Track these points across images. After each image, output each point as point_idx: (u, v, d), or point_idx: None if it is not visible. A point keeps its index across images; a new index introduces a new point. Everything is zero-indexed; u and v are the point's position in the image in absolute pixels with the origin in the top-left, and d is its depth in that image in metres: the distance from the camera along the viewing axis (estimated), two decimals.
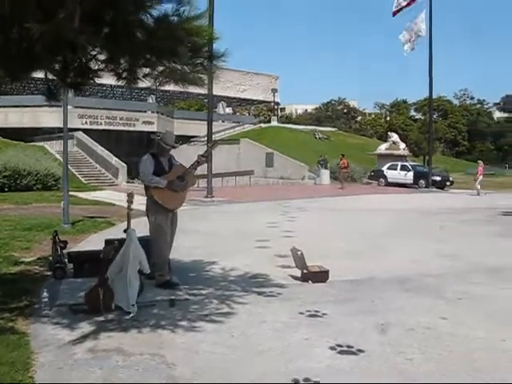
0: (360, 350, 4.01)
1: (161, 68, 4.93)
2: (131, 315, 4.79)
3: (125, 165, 26.54)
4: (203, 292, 5.70)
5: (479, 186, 22.81)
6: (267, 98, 56.30)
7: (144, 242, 5.35)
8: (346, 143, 43.78)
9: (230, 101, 58.19)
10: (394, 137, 32.73)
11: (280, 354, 3.95)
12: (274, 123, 50.51)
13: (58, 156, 26.27)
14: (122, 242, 6.53)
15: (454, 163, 48.45)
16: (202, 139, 45.02)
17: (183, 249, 8.23)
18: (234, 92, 54.98)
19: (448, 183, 27.17)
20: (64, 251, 6.29)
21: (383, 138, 45.09)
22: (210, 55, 4.76)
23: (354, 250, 8.49)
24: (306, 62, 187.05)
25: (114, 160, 26.82)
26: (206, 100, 60.50)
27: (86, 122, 36.52)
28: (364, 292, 5.79)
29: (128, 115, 40.02)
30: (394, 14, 26.56)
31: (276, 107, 62.54)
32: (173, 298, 5.28)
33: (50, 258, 6.39)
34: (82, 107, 37.25)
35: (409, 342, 4.20)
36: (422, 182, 26.92)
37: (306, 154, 36.32)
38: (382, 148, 32.85)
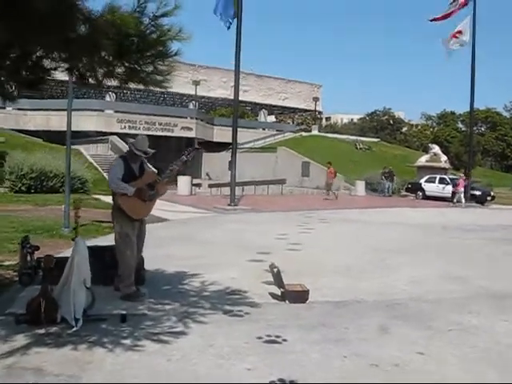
0: None
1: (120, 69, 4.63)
2: (74, 329, 4.45)
3: (155, 170, 26.58)
4: (167, 307, 5.30)
5: (463, 199, 24.29)
6: (309, 107, 55.75)
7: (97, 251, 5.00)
8: (387, 154, 42.66)
9: (271, 109, 58.01)
10: (436, 149, 31.45)
11: None
12: (315, 132, 49.89)
13: (90, 159, 26.69)
14: (92, 249, 6.28)
15: (501, 177, 46.27)
16: (241, 146, 45.09)
17: (174, 259, 7.92)
18: (275, 100, 54.81)
19: (489, 198, 25.76)
20: (34, 257, 6.02)
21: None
22: (161, 53, 4.41)
23: (354, 267, 7.89)
24: (354, 71, 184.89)
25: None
26: (248, 108, 60.98)
27: (124, 127, 37.01)
28: (342, 317, 5.23)
29: (167, 121, 40.34)
30: (432, 19, 25.51)
31: (319, 116, 61.88)
32: (124, 312, 4.89)
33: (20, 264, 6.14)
34: (121, 112, 37.83)
35: (364, 382, 3.65)
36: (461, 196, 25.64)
37: (344, 164, 35.56)
38: (423, 160, 31.63)
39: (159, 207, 17.27)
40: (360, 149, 42.54)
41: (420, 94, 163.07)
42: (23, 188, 18.44)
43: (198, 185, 34.47)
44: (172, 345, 4.23)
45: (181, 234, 11.06)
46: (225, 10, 18.95)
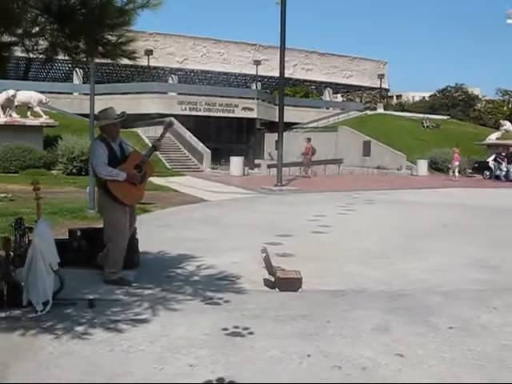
0: None
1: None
2: (38, 313, 4.27)
3: (209, 151, 26.61)
4: (145, 292, 5.01)
5: (456, 173, 24.60)
6: (374, 84, 53.70)
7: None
8: (456, 132, 40.23)
9: (336, 87, 56.47)
10: (507, 125, 29.24)
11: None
12: (380, 110, 48.00)
13: (147, 141, 27.06)
14: (85, 231, 6.12)
15: None
16: (305, 126, 44.21)
17: (185, 241, 7.64)
18: (340, 78, 53.23)
19: None
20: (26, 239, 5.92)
21: None
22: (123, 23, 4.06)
23: (375, 252, 7.27)
24: (427, 47, 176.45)
25: (200, 146, 26.97)
26: (312, 86, 59.74)
27: (185, 108, 37.23)
28: (331, 308, 4.71)
29: (228, 101, 40.17)
30: None
31: (386, 94, 59.57)
32: (92, 297, 4.65)
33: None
34: (182, 94, 38.09)
35: None
36: None
37: (408, 142, 34.10)
38: (492, 137, 29.52)
39: (204, 187, 17.30)
40: (427, 127, 40.40)
41: (497, 68, 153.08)
42: (74, 170, 18.94)
43: (258, 165, 34.23)
44: (125, 334, 3.93)
45: (208, 216, 10.80)
46: None
